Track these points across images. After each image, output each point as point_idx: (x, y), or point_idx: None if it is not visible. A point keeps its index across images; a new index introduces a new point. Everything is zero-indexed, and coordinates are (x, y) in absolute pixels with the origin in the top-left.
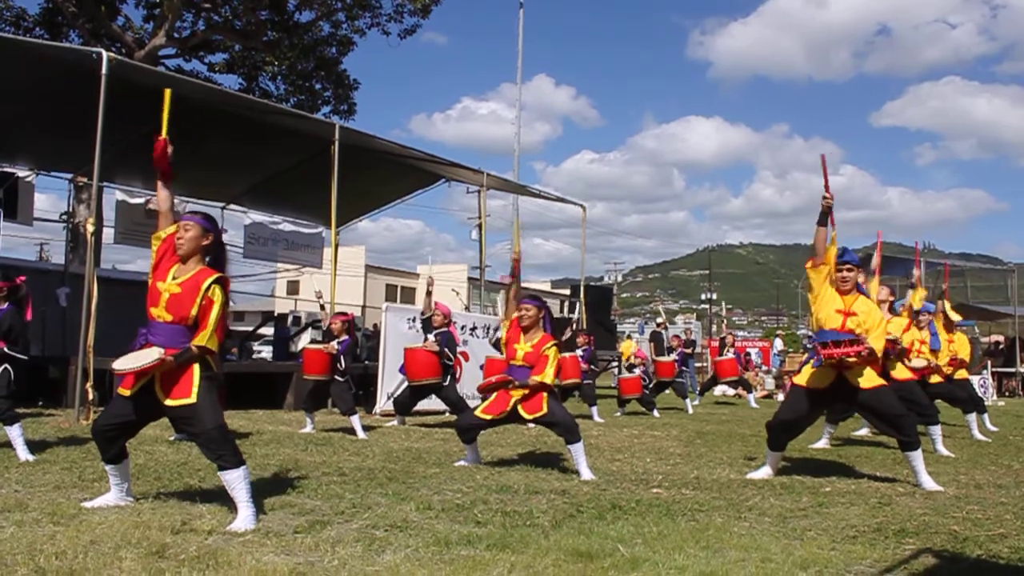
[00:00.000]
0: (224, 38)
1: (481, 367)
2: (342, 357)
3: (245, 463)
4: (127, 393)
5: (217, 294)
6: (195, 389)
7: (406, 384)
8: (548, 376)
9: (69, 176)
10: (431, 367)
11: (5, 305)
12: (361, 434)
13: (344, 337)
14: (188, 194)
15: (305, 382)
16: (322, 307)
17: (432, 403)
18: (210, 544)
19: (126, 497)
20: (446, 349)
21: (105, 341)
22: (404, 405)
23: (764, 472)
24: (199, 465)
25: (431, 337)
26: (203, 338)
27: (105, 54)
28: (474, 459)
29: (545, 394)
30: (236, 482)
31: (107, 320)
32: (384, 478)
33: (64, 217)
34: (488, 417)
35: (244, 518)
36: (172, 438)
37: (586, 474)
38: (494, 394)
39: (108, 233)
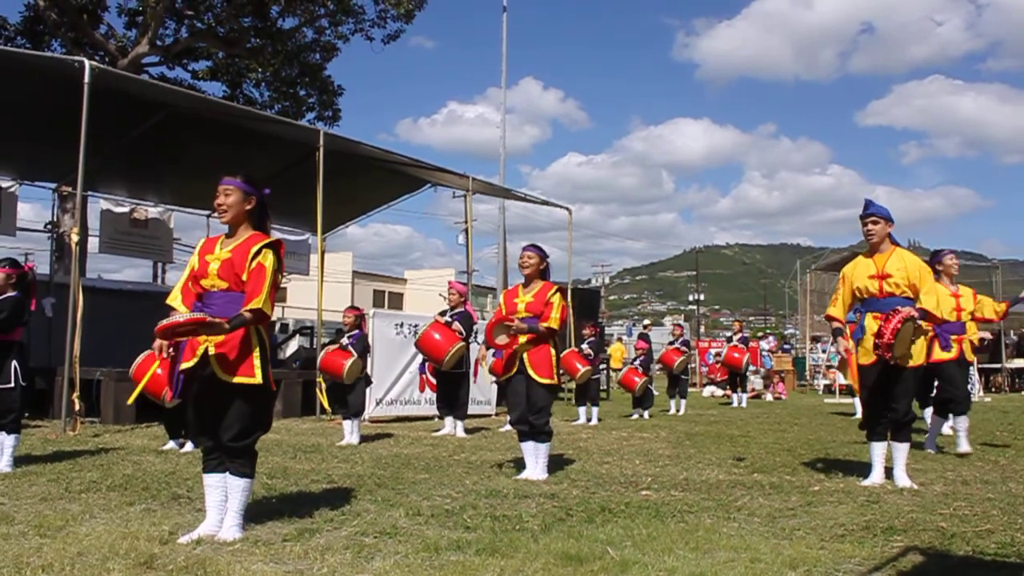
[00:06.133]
0: (207, 45)
1: (477, 359)
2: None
3: (253, 477)
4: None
5: (269, 259)
6: (258, 371)
7: (438, 379)
8: (555, 321)
9: (53, 186)
10: (450, 338)
11: (13, 293)
12: (352, 439)
13: (355, 331)
14: (173, 202)
15: (310, 388)
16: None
17: (422, 408)
18: (199, 554)
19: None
20: (462, 328)
21: (91, 351)
22: (449, 401)
23: (876, 475)
24: (187, 475)
25: (448, 318)
26: (258, 302)
27: (88, 63)
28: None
29: (554, 364)
30: (239, 491)
31: (93, 330)
32: (373, 484)
33: (48, 227)
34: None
35: (230, 527)
36: (161, 448)
37: (538, 474)
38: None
39: (93, 242)
